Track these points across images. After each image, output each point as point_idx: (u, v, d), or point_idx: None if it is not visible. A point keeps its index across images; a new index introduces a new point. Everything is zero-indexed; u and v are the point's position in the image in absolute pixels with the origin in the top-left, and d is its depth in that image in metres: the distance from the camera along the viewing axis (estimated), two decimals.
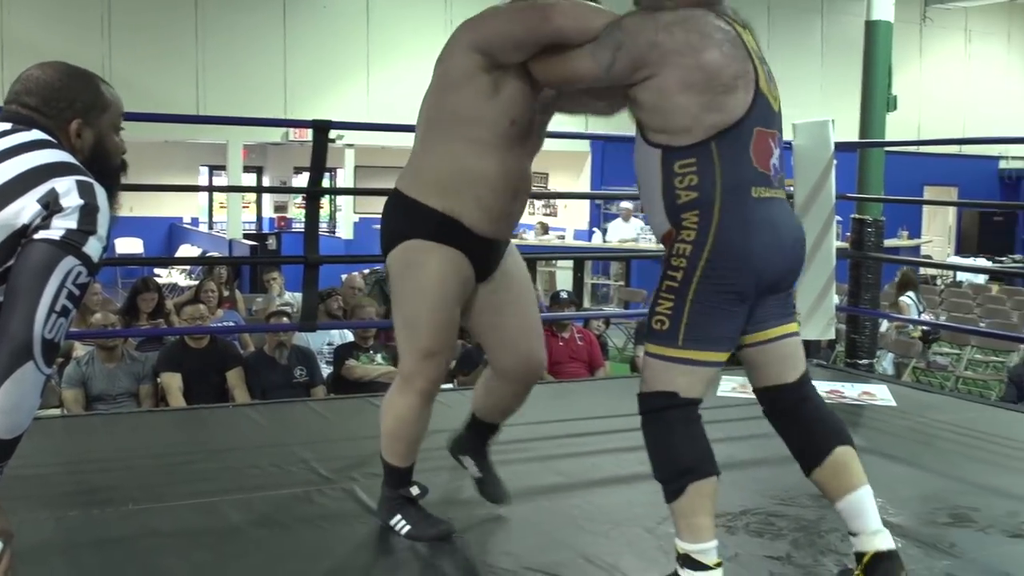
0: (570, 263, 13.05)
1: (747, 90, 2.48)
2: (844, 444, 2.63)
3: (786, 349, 2.63)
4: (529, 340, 3.04)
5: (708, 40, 2.47)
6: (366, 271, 10.14)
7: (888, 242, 8.16)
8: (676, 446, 2.53)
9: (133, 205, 13.27)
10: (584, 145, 14.55)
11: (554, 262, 13.15)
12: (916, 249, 15.40)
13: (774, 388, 2.65)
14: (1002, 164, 17.51)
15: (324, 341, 6.88)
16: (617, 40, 2.53)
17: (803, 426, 2.66)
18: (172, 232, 17.26)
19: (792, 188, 5.15)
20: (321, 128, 4.70)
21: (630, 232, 13.32)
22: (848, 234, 6.05)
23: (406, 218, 2.82)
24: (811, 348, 5.96)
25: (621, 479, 3.71)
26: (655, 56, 2.47)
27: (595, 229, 13.99)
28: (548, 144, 10.65)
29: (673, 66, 2.45)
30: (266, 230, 17.35)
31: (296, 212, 17.61)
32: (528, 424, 4.39)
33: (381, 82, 13.43)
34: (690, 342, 2.47)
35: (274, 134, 13.89)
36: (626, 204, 13.71)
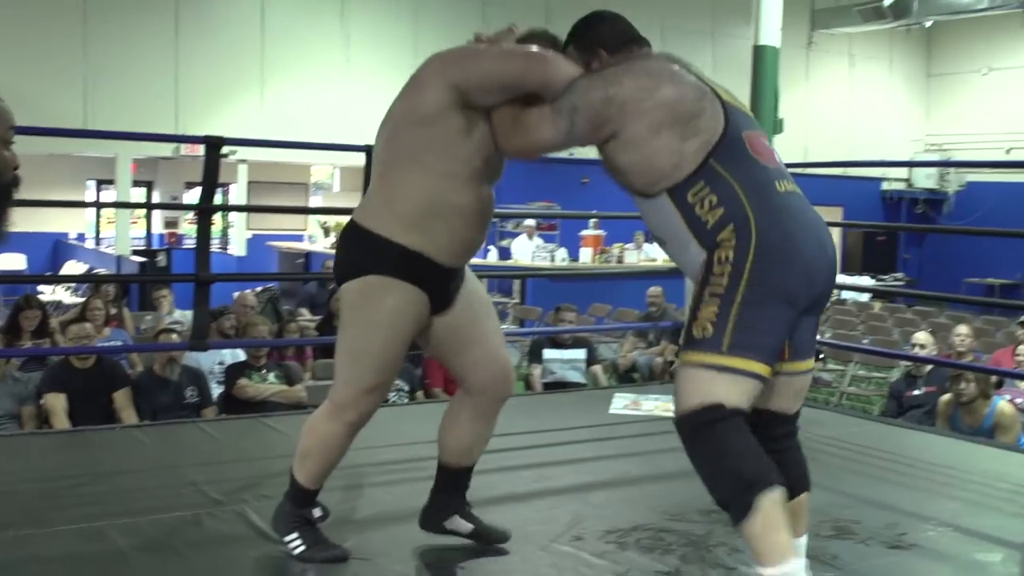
0: None
1: (713, 105, 2.49)
2: (807, 491, 2.64)
3: (803, 383, 2.60)
4: (498, 354, 3.01)
5: (657, 78, 2.50)
6: (259, 289, 10.00)
7: None
8: (734, 459, 2.32)
9: (16, 220, 12.89)
10: None
11: None
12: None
13: (769, 414, 2.57)
14: (884, 185, 18.10)
15: (215, 360, 6.76)
16: (572, 103, 2.53)
17: (783, 461, 2.53)
18: (57, 248, 16.79)
19: None
20: (213, 144, 4.63)
21: (528, 250, 13.43)
22: None
23: (367, 252, 2.75)
24: None
25: (516, 497, 3.73)
26: (613, 111, 2.48)
27: (490, 247, 14.04)
28: None
29: (635, 115, 2.46)
30: (156, 246, 17.00)
31: (187, 228, 17.29)
32: (423, 443, 4.37)
33: (276, 97, 13.31)
34: (736, 348, 2.34)
35: (165, 148, 13.64)
36: (529, 221, 13.80)
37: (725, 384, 2.34)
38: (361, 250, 2.77)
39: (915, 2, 15.19)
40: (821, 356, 8.80)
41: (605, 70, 2.56)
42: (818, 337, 8.02)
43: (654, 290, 9.44)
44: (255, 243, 14.69)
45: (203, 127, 12.40)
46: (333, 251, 12.80)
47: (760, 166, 2.47)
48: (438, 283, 2.81)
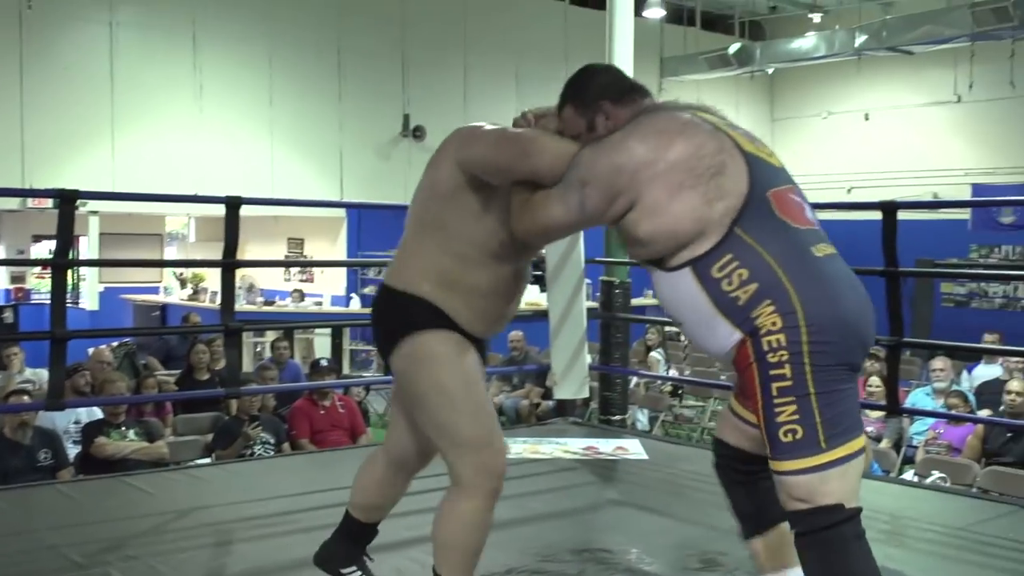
0: (328, 329, 12.95)
1: (735, 160, 2.29)
2: (784, 521, 2.47)
3: None
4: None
5: (668, 135, 2.31)
6: (114, 344, 9.72)
7: (636, 301, 8.56)
8: (854, 568, 2.20)
9: None
10: (340, 211, 14.55)
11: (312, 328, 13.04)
12: (661, 307, 16.18)
13: (748, 452, 2.53)
14: None
15: (71, 420, 6.53)
16: (579, 177, 2.35)
17: (760, 492, 2.52)
18: None
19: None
20: (68, 198, 4.52)
21: None
22: (598, 295, 6.31)
23: (403, 312, 2.63)
24: (567, 407, 6.15)
25: (389, 546, 3.70)
26: (624, 180, 2.29)
27: (353, 295, 13.95)
28: (303, 211, 10.63)
29: (648, 180, 2.28)
30: (2, 302, 16.35)
31: (35, 283, 16.67)
32: (291, 496, 4.34)
33: (127, 147, 12.98)
34: (833, 440, 2.19)
35: (10, 201, 13.16)
36: None
37: (836, 480, 2.20)
38: (397, 312, 2.65)
39: (758, 50, 15.82)
40: (680, 392, 9.02)
41: (607, 137, 2.37)
42: (678, 375, 8.03)
43: (515, 335, 9.57)
44: (108, 296, 14.26)
45: (52, 179, 12.00)
46: (191, 302, 12.49)
47: (791, 229, 2.27)
48: (471, 342, 2.69)
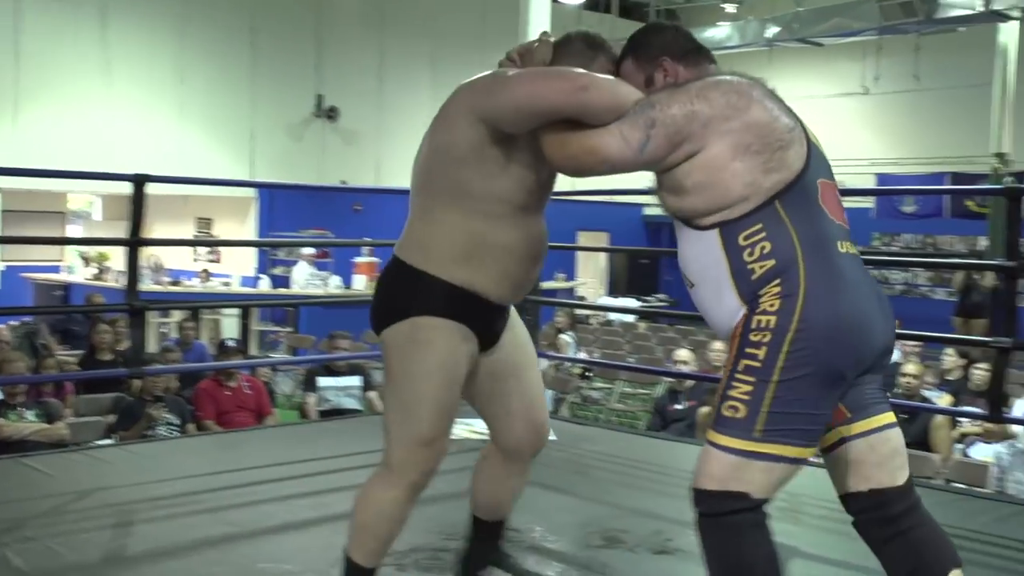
0: (237, 310, 12.80)
1: (801, 142, 2.23)
2: (958, 566, 2.26)
3: (892, 443, 2.28)
4: (534, 407, 2.79)
5: (748, 98, 2.22)
6: (14, 323, 9.48)
7: (545, 284, 8.61)
8: (746, 556, 2.14)
9: None
10: (250, 190, 14.37)
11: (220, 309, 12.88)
12: (571, 290, 16.33)
13: (879, 493, 2.26)
14: (645, 211, 18.87)
15: None
16: (649, 117, 2.22)
17: (913, 544, 2.26)
18: None
19: None
20: None
21: (303, 275, 13.29)
22: None
23: (413, 292, 2.52)
24: None
25: (293, 525, 3.70)
26: (696, 127, 2.19)
27: (262, 275, 13.80)
28: (213, 190, 10.46)
29: (720, 133, 2.18)
30: None
31: None
32: (196, 476, 4.30)
33: (32, 122, 12.65)
34: (772, 434, 2.10)
35: None
36: (308, 248, 13.61)
37: (755, 472, 2.11)
38: (406, 289, 2.54)
39: None
40: (588, 374, 9.10)
41: (689, 84, 2.27)
42: (587, 356, 8.05)
43: None
44: (8, 275, 13.91)
45: None
46: (96, 282, 12.23)
47: (827, 219, 2.22)
48: (487, 321, 2.60)
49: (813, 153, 2.25)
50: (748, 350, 2.12)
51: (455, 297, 2.51)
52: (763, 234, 2.16)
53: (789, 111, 2.26)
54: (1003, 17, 12.21)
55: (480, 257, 2.50)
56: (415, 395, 2.50)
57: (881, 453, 2.25)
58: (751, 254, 2.16)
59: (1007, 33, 13.00)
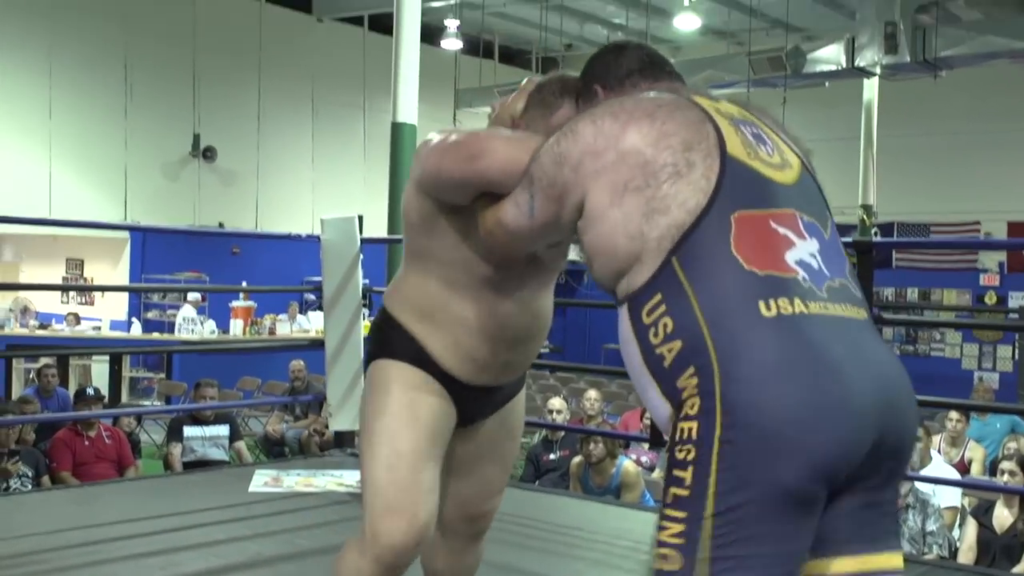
0: (107, 356, 12.43)
1: (707, 163, 1.67)
2: None
3: None
4: (487, 500, 2.52)
5: (624, 118, 1.74)
6: None
7: None
8: None
9: None
10: (124, 232, 14.00)
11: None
12: None
13: None
14: None
15: None
16: (529, 173, 1.87)
17: None
18: None
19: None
20: None
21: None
22: None
23: (379, 336, 2.33)
24: (345, 439, 6.07)
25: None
26: (568, 173, 1.77)
27: (134, 319, 13.43)
28: (84, 231, 10.17)
29: (595, 175, 1.73)
30: None
31: None
32: (45, 534, 4.12)
33: None
34: None
35: None
36: (195, 295, 13.25)
37: None
38: (376, 334, 2.35)
39: None
40: None
41: (568, 122, 1.86)
42: None
43: (296, 364, 9.45)
44: None
45: None
46: None
47: (743, 273, 1.59)
48: (456, 393, 2.29)
49: (734, 175, 1.67)
50: (674, 472, 1.56)
51: (418, 348, 2.27)
52: (663, 307, 1.62)
53: (701, 124, 1.72)
54: (866, 73, 12.70)
55: (436, 322, 2.27)
56: (370, 452, 2.22)
57: None
58: (656, 335, 1.62)
59: (870, 89, 13.52)
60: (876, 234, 13.12)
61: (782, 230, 1.65)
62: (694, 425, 1.54)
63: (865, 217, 13.30)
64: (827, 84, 13.61)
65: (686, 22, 14.92)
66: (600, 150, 1.73)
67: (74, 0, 13.48)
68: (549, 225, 1.87)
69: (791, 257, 1.63)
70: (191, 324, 12.73)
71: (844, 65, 12.40)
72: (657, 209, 1.65)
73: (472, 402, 2.33)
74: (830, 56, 12.58)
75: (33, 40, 13.14)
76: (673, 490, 1.56)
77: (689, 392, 1.56)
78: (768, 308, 1.56)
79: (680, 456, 1.55)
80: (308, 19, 15.58)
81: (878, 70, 12.42)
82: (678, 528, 1.54)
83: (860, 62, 12.24)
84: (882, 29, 11.75)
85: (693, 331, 1.57)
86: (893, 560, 1.66)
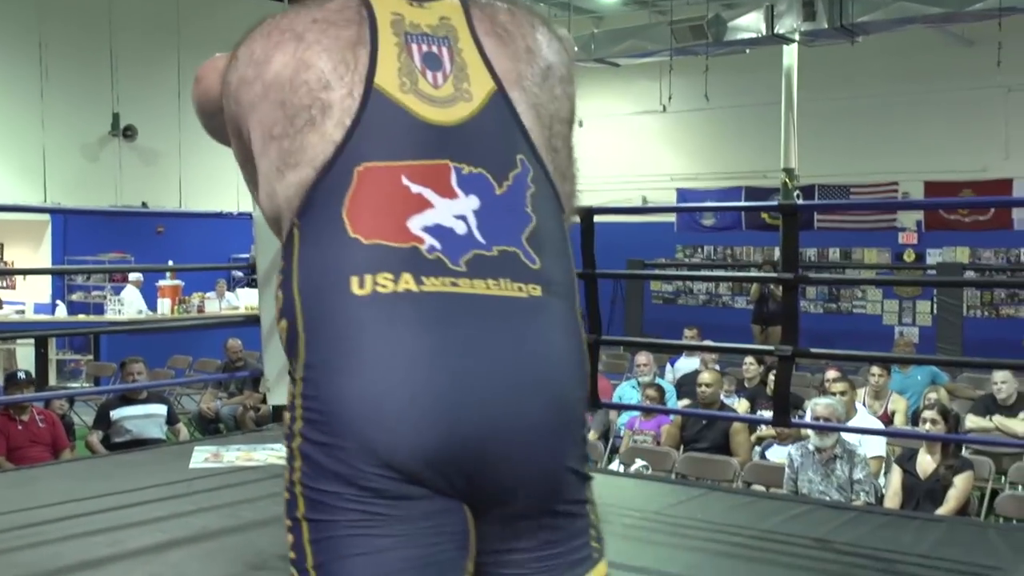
0: (32, 339, 12.22)
1: (347, 103, 1.37)
2: None
3: None
4: None
5: (280, 38, 1.42)
6: None
7: None
8: None
9: None
10: (44, 215, 13.73)
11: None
12: None
13: None
14: None
15: None
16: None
17: None
18: None
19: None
20: None
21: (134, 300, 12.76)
22: None
23: None
24: (283, 413, 6.10)
25: (88, 564, 3.56)
26: (232, 106, 1.49)
27: (59, 302, 13.21)
28: (3, 214, 9.97)
29: (249, 109, 1.45)
30: None
31: None
32: None
33: None
34: None
35: None
36: (136, 275, 13.01)
37: None
38: None
39: None
40: None
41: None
42: None
43: (233, 343, 9.42)
44: None
45: None
46: None
47: (346, 242, 1.33)
48: None
49: (373, 115, 1.37)
50: (285, 475, 1.36)
51: None
52: (280, 278, 1.40)
53: (355, 46, 1.40)
54: (786, 40, 12.89)
55: None
56: None
57: None
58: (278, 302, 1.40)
59: (790, 55, 13.73)
60: (799, 197, 13.34)
61: (416, 187, 1.34)
62: (289, 417, 1.36)
63: (788, 180, 13.54)
64: (747, 51, 13.79)
65: None
66: (250, 80, 1.44)
67: None
68: (239, 156, 1.55)
69: (418, 222, 1.33)
70: (135, 305, 12.49)
71: (764, 33, 12.58)
72: (289, 164, 1.38)
73: None
74: (750, 24, 12.74)
75: None
76: (284, 494, 1.36)
77: (292, 368, 1.38)
78: (361, 285, 1.30)
79: (287, 454, 1.37)
80: None
81: (797, 37, 12.62)
82: (290, 538, 1.36)
83: (779, 29, 12.42)
84: None
85: (292, 310, 1.35)
86: None
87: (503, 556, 1.37)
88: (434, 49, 1.42)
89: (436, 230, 1.33)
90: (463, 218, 1.35)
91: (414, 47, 1.41)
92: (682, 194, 16.29)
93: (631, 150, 17.59)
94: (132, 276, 12.94)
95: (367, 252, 1.31)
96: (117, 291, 13.13)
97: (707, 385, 6.92)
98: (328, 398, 1.29)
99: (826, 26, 12.03)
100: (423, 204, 1.34)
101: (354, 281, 1.30)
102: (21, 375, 7.18)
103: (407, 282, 1.30)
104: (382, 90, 1.37)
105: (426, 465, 1.27)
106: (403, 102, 1.38)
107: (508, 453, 1.30)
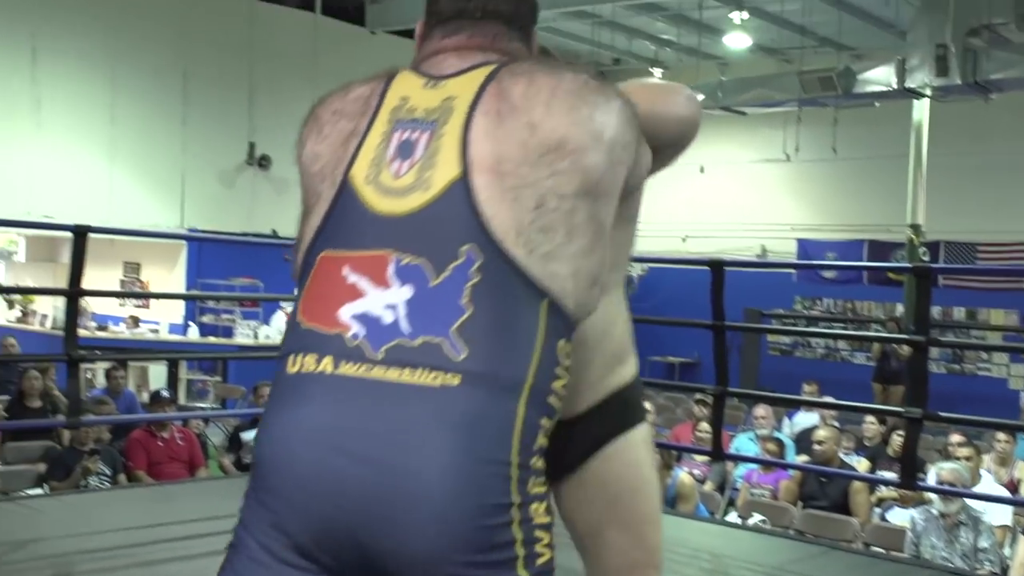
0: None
1: (330, 193, 1.51)
2: None
3: None
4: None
5: (313, 127, 1.61)
6: None
7: None
8: None
9: None
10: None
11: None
12: None
13: None
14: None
15: None
16: None
17: None
18: None
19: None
20: None
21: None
22: None
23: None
24: None
25: None
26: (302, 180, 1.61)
27: (191, 323, 13.70)
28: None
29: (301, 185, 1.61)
30: None
31: None
32: (131, 529, 4.32)
33: None
34: None
35: None
36: (288, 304, 13.42)
37: None
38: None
39: None
40: None
41: None
42: None
43: None
44: None
45: None
46: (21, 325, 11.98)
47: (295, 324, 1.47)
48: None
49: (341, 206, 1.48)
50: None
51: None
52: None
53: (349, 140, 1.52)
54: (916, 95, 12.72)
55: None
56: None
57: None
58: None
59: (920, 109, 13.54)
60: (925, 254, 13.11)
61: (353, 277, 1.42)
62: None
63: (914, 237, 13.32)
64: (877, 104, 13.66)
65: (736, 40, 15.00)
66: (297, 158, 1.60)
67: (135, 12, 13.79)
68: None
69: (348, 311, 1.40)
70: (244, 329, 12.94)
71: (894, 86, 12.42)
72: (298, 245, 1.54)
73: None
74: (880, 77, 12.62)
75: (97, 52, 13.47)
76: None
77: None
78: (293, 364, 1.41)
79: None
80: (361, 32, 15.82)
81: (928, 92, 12.44)
82: None
83: (910, 83, 12.26)
84: (933, 51, 11.77)
85: None
86: None
87: None
88: (414, 136, 1.47)
89: (363, 318, 1.39)
90: (393, 308, 1.38)
91: (396, 135, 1.48)
92: (803, 244, 16.14)
93: (752, 198, 17.51)
94: (285, 304, 13.27)
95: (303, 335, 1.42)
96: (246, 316, 13.56)
97: (821, 442, 6.84)
98: (256, 459, 1.42)
99: (959, 82, 11.82)
100: (356, 293, 1.41)
101: (290, 359, 1.42)
102: (165, 394, 7.52)
103: (326, 365, 1.38)
104: (351, 182, 1.47)
105: (312, 542, 1.35)
106: (361, 193, 1.46)
107: (382, 545, 1.32)
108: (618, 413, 1.90)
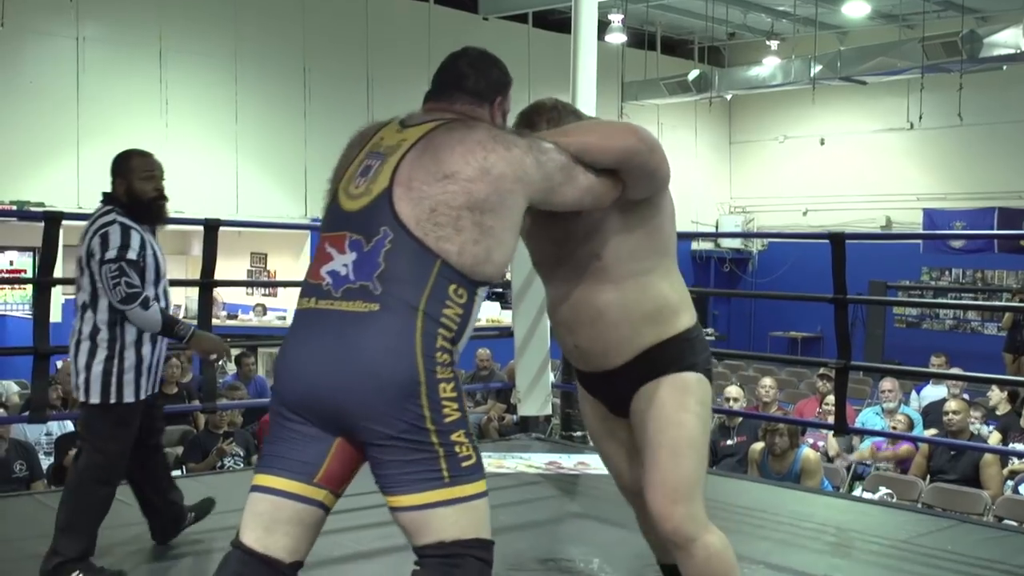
0: None
1: (331, 195, 2.36)
2: None
3: (403, 521, 2.21)
4: (650, 492, 2.64)
5: (343, 150, 2.43)
6: None
7: None
8: None
9: None
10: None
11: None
12: None
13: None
14: (694, 246, 18.94)
15: (42, 432, 6.64)
16: None
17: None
18: None
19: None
20: (51, 218, 4.68)
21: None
22: None
23: None
24: (530, 423, 6.34)
25: (362, 555, 3.88)
26: None
27: None
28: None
29: None
30: None
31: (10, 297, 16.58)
32: None
33: (92, 162, 12.99)
34: (257, 466, 2.36)
35: None
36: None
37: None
38: None
39: (716, 77, 16.15)
40: None
41: None
42: None
43: (483, 352, 9.79)
44: (69, 307, 14.24)
45: (17, 192, 12.07)
46: None
47: (304, 283, 2.28)
48: (587, 384, 2.82)
49: (331, 207, 2.31)
50: None
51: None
52: None
53: (343, 165, 2.34)
54: None
55: None
56: None
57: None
58: None
59: None
60: None
61: (328, 248, 2.24)
62: None
63: None
64: (1004, 67, 13.21)
65: (855, 8, 14.65)
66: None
67: (255, 10, 14.19)
68: None
69: (325, 268, 2.22)
70: None
71: (1023, 48, 12.02)
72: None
73: (596, 390, 2.78)
74: (1007, 40, 12.20)
75: (220, 50, 13.90)
76: None
77: None
78: (299, 303, 2.26)
79: None
80: (474, 18, 15.95)
81: None
82: None
83: None
84: None
85: None
86: (395, 501, 2.16)
87: (373, 469, 2.19)
88: (373, 163, 2.26)
89: (332, 273, 2.21)
90: (347, 266, 2.20)
91: (365, 163, 2.28)
92: (929, 214, 15.72)
93: (874, 169, 17.11)
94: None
95: (306, 285, 2.27)
96: None
97: (954, 413, 6.70)
98: (279, 361, 2.27)
99: None
100: (329, 258, 2.23)
101: (303, 300, 2.26)
102: None
103: (312, 302, 2.22)
104: (338, 191, 2.30)
105: (298, 406, 2.21)
106: (339, 197, 2.30)
107: (335, 406, 2.15)
108: (653, 362, 2.61)
